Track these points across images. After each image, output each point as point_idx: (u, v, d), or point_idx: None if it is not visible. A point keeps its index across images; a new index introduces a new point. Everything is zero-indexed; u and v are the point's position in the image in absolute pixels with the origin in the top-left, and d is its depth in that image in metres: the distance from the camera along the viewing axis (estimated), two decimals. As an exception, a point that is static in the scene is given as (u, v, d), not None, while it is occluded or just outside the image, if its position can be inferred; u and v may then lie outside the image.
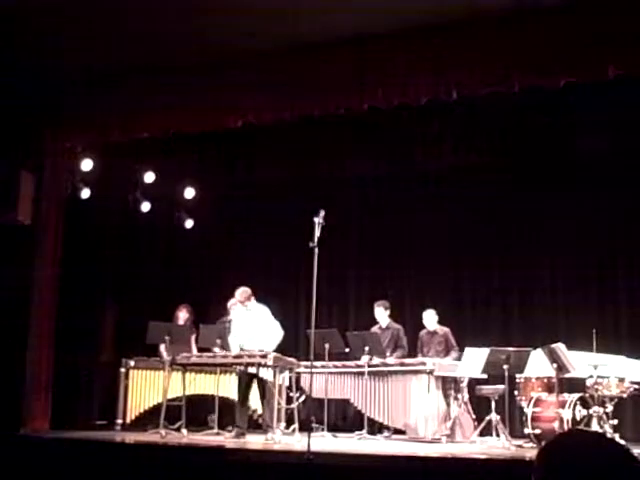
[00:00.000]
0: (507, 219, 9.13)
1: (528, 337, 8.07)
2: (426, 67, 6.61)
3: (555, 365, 6.59)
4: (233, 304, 8.24)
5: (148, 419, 8.07)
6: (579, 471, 1.45)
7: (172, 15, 6.55)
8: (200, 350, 8.15)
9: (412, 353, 8.15)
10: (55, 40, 6.96)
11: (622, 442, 1.63)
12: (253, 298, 7.60)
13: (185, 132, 7.58)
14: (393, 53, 6.71)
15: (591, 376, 6.69)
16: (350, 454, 5.73)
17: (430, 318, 8.16)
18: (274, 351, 7.17)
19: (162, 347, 8.09)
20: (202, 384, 8.04)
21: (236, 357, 7.26)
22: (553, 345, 6.63)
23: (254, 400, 7.66)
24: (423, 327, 8.26)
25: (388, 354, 8.02)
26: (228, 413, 7.86)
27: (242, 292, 7.56)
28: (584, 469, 1.45)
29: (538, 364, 6.84)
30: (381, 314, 8.28)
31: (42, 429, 7.27)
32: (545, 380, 7.06)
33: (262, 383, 7.21)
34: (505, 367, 6.67)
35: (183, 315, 8.57)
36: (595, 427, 6.48)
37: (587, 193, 8.62)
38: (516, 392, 7.15)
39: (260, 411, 7.75)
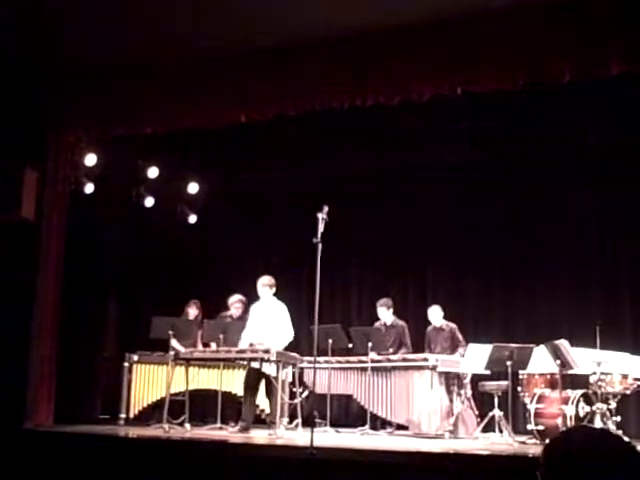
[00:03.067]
0: (510, 215, 9.12)
1: (531, 333, 8.06)
2: (430, 63, 6.59)
3: (558, 361, 6.59)
4: (235, 301, 8.24)
5: (151, 414, 8.10)
6: (584, 467, 1.45)
7: (174, 12, 6.55)
8: (203, 346, 8.17)
9: (417, 349, 8.15)
10: (58, 36, 6.96)
11: (626, 439, 1.63)
12: (274, 289, 7.60)
13: (189, 127, 7.58)
14: (396, 49, 6.69)
15: (594, 373, 6.69)
16: (353, 449, 5.72)
17: (436, 314, 8.14)
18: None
19: (174, 341, 7.94)
20: (205, 379, 8.05)
21: (239, 352, 7.26)
22: (556, 341, 6.63)
23: (259, 397, 7.67)
24: (425, 323, 8.27)
25: (391, 351, 8.03)
26: (231, 408, 7.87)
27: (267, 278, 7.61)
28: (589, 465, 1.45)
29: (541, 360, 6.84)
30: (384, 313, 8.27)
31: (45, 423, 7.28)
32: (548, 376, 7.06)
33: (269, 381, 7.21)
34: (508, 363, 6.67)
35: (193, 311, 8.53)
36: (598, 424, 6.49)
37: (590, 188, 8.61)
38: (519, 388, 7.15)
39: (264, 407, 7.76)
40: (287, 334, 7.44)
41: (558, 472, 1.48)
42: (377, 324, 8.31)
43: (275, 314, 7.52)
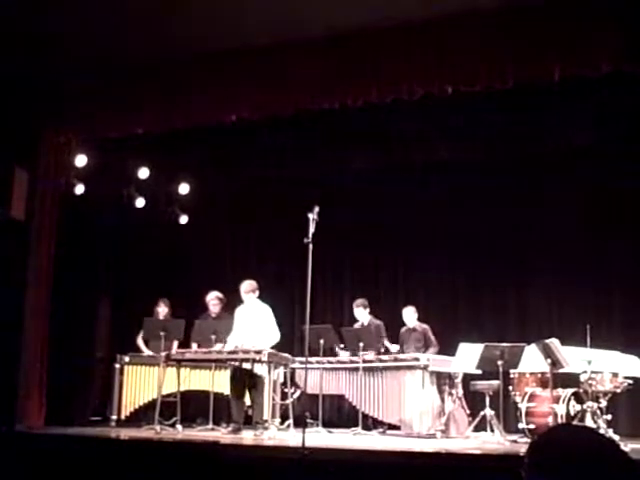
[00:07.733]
0: (502, 214, 9.13)
1: (522, 332, 8.09)
2: (420, 63, 6.60)
3: (549, 360, 6.60)
4: (212, 298, 8.20)
5: (143, 415, 8.07)
6: (568, 466, 1.46)
7: (165, 12, 6.55)
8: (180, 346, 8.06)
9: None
10: (51, 36, 6.94)
11: (614, 437, 1.63)
12: (257, 293, 7.58)
13: (179, 128, 7.56)
14: (385, 49, 6.71)
15: (585, 371, 6.71)
16: (345, 449, 5.73)
17: (409, 315, 8.21)
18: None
19: (139, 341, 8.13)
20: (197, 380, 8.03)
21: (231, 353, 7.25)
22: (547, 340, 6.64)
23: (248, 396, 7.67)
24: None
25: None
26: (222, 409, 7.86)
27: (248, 284, 7.55)
28: (573, 463, 1.46)
29: (532, 359, 6.85)
30: (361, 313, 8.29)
31: (37, 425, 7.26)
32: (539, 375, 7.08)
33: (253, 379, 7.19)
34: (499, 363, 6.69)
35: (162, 310, 8.50)
36: (589, 422, 6.50)
37: (582, 187, 8.64)
38: (510, 387, 7.17)
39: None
40: (272, 336, 7.39)
41: (542, 470, 1.48)
42: (356, 325, 8.31)
43: (259, 317, 7.48)
